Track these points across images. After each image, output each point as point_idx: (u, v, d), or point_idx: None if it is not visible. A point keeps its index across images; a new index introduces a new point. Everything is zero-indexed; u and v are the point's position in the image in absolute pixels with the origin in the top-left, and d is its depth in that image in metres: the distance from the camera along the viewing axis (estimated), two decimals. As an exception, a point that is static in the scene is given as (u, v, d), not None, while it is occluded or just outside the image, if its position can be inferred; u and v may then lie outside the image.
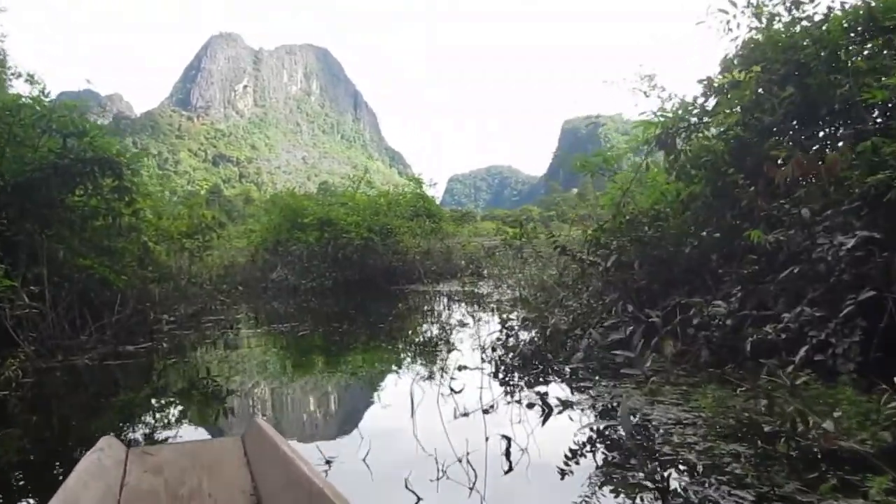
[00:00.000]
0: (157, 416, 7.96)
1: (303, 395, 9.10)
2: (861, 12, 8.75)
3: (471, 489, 4.70)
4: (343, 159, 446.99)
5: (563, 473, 5.11)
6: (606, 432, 6.06)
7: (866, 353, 6.47)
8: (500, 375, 8.65)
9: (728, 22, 10.33)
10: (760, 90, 9.25)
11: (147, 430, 7.10)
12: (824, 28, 9.13)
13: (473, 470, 4.99)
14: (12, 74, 18.82)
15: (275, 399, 8.87)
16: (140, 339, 12.49)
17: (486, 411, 6.95)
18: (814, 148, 8.80)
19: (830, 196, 7.71)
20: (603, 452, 5.58)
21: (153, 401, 8.84)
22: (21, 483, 5.64)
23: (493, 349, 9.64)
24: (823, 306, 7.07)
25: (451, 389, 7.87)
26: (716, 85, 10.08)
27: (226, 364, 10.80)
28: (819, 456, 4.80)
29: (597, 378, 8.03)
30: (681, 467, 4.96)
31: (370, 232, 25.02)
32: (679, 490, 4.57)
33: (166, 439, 6.58)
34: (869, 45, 8.92)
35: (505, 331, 9.85)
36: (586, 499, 4.52)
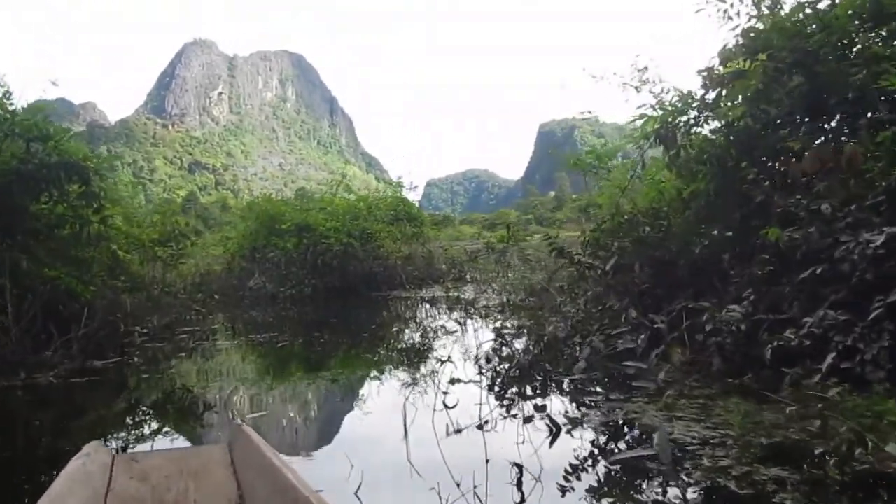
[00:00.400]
0: (126, 435, 7.29)
1: (284, 412, 8.44)
2: (868, -2, 8.28)
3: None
4: (320, 165, 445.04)
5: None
6: (628, 454, 5.46)
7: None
8: (497, 389, 8.02)
9: (726, 11, 9.85)
10: (765, 80, 8.72)
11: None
12: (831, 14, 8.64)
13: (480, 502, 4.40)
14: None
15: (256, 422, 8.21)
16: (110, 353, 11.69)
17: (481, 427, 6.39)
18: (818, 140, 8.32)
19: (852, 190, 7.17)
20: (631, 482, 4.98)
21: (126, 419, 8.19)
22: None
23: (488, 360, 9.01)
24: (847, 309, 6.53)
25: (445, 405, 7.17)
26: (717, 76, 9.54)
27: (201, 379, 10.16)
28: (875, 480, 4.23)
29: (603, 390, 7.43)
30: (720, 498, 4.38)
31: (350, 237, 24.36)
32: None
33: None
34: (879, 32, 8.44)
35: (499, 340, 9.23)
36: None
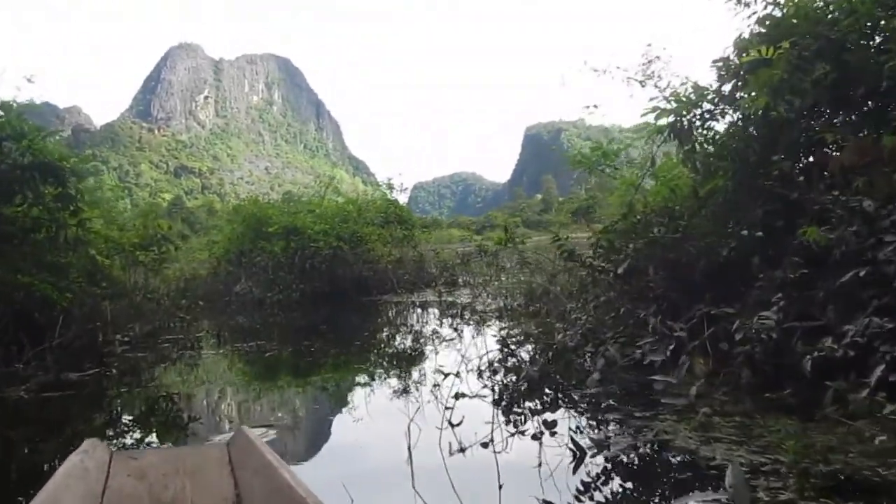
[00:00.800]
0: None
1: (274, 430, 7.76)
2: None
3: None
4: (306, 169, 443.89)
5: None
6: (698, 498, 4.80)
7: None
8: (505, 403, 7.37)
9: (742, -1, 9.27)
10: (789, 69, 8.11)
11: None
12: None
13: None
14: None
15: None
16: (87, 364, 10.99)
17: (486, 445, 5.85)
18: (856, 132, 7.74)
19: (896, 186, 6.57)
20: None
21: (103, 437, 7.47)
22: None
23: (494, 372, 8.35)
24: (894, 317, 5.94)
25: (450, 423, 6.52)
26: (734, 67, 8.95)
27: (185, 391, 9.49)
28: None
29: (624, 406, 6.79)
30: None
31: (339, 240, 23.64)
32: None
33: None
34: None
35: (505, 350, 8.57)
36: None
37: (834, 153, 7.03)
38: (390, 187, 31.50)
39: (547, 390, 7.66)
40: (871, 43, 8.06)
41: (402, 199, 34.12)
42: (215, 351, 13.30)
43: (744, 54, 8.65)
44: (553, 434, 6.05)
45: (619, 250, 9.08)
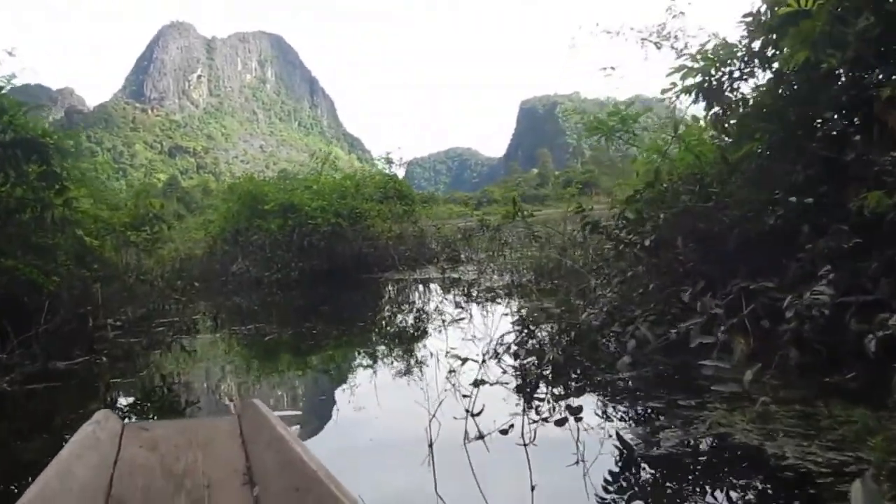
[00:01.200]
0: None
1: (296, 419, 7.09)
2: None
3: None
4: (301, 147, 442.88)
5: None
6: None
7: None
8: (528, 390, 6.74)
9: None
10: (830, 21, 7.43)
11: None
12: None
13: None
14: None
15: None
16: (77, 351, 10.36)
17: (506, 433, 5.33)
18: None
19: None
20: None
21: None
22: None
23: (516, 356, 7.68)
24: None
25: (469, 412, 5.89)
26: (765, 22, 8.26)
27: (181, 385, 8.89)
28: None
29: (662, 393, 6.16)
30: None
31: (338, 217, 22.97)
32: None
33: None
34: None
35: (524, 330, 7.91)
36: None
37: (892, 110, 6.35)
38: (389, 161, 30.80)
39: (574, 375, 7.02)
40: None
41: (399, 174, 33.49)
42: (212, 336, 12.70)
43: (776, 8, 8.00)
44: (586, 427, 5.44)
45: (644, 221, 8.42)
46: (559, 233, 14.64)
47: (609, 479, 4.38)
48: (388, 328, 12.72)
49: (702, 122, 8.89)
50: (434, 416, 5.43)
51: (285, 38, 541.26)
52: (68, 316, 11.05)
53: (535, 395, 6.61)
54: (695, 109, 8.95)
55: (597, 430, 5.40)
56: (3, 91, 11.41)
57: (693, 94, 8.51)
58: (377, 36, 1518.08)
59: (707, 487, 4.31)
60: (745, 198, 7.71)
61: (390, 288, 19.34)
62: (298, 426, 6.50)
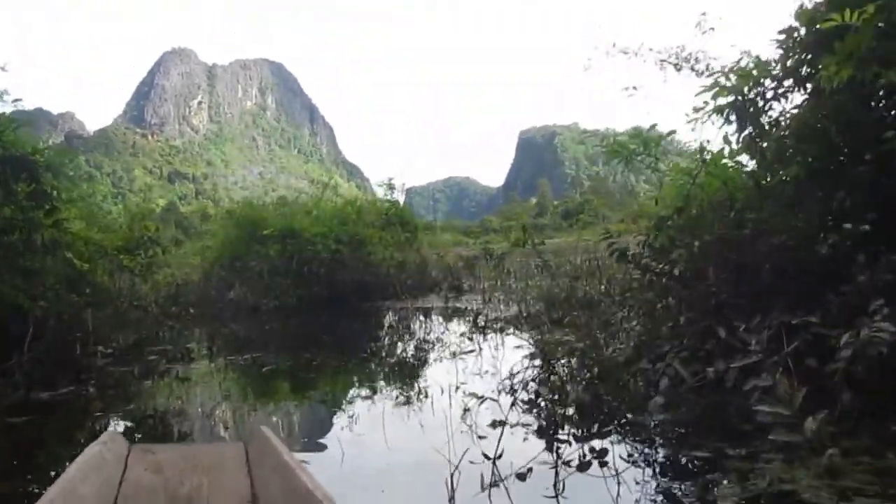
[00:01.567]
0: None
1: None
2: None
3: None
4: (300, 174, 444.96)
5: None
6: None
7: None
8: (551, 432, 6.12)
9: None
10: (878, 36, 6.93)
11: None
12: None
13: None
14: None
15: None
16: (63, 380, 9.76)
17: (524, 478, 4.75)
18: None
19: None
20: None
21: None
22: None
23: (537, 395, 7.03)
24: None
25: (485, 456, 5.29)
26: (801, 39, 7.77)
27: (168, 425, 8.26)
28: None
29: (707, 440, 5.54)
30: None
31: (338, 243, 22.50)
32: None
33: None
34: None
35: (545, 367, 7.28)
36: None
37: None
38: (391, 187, 30.28)
39: (600, 417, 6.42)
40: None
41: (400, 200, 33.05)
42: (206, 364, 12.11)
43: (815, 25, 7.51)
44: (621, 476, 4.84)
45: (673, 249, 7.85)
46: (569, 261, 14.12)
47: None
48: (392, 360, 12.08)
49: (733, 145, 8.34)
50: (452, 463, 4.83)
51: (286, 65, 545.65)
52: (55, 343, 10.47)
53: (558, 437, 6.02)
54: (718, 132, 8.45)
55: (635, 481, 4.81)
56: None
57: (724, 115, 7.99)
58: (378, 35, 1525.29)
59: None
60: (781, 225, 7.13)
61: (392, 317, 18.77)
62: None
